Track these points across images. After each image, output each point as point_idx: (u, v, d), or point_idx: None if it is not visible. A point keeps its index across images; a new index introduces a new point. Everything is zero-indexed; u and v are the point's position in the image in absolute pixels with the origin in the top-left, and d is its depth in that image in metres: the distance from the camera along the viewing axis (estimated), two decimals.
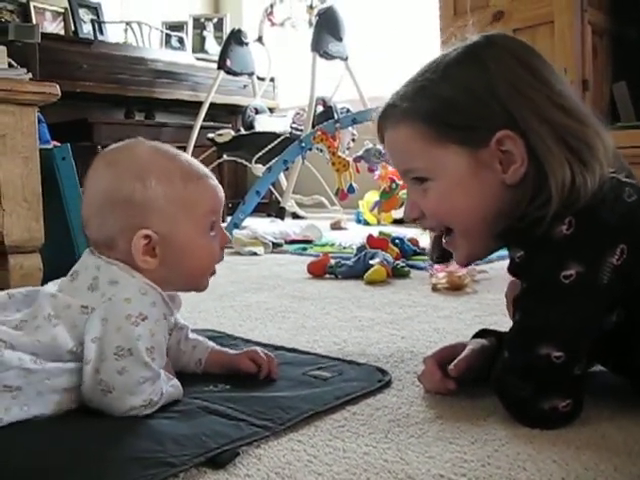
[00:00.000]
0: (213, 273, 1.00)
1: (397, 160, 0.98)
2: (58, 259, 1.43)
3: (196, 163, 0.97)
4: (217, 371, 1.05)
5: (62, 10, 4.97)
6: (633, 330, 0.86)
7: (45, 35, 4.20)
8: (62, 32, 4.93)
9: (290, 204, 4.41)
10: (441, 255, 1.03)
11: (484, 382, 0.92)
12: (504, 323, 1.01)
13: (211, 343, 1.09)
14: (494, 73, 0.87)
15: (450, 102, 0.88)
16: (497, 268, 2.01)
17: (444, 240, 0.99)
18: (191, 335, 1.08)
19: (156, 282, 0.91)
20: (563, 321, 0.82)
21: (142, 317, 0.85)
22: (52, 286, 0.93)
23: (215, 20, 5.82)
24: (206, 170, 0.98)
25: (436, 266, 1.91)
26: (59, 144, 2.05)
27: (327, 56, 4.36)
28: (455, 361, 0.96)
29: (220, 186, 0.99)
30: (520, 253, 0.85)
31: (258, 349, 1.07)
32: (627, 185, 0.85)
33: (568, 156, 0.84)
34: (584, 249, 0.81)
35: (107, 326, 0.84)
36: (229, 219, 3.32)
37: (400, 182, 3.79)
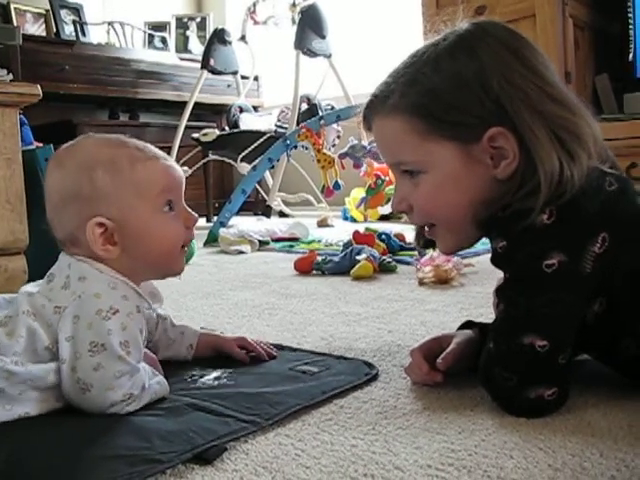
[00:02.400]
0: (184, 253, 0.99)
1: (386, 152, 0.97)
2: (42, 261, 1.41)
3: (148, 147, 0.96)
4: (208, 354, 1.09)
5: (43, 11, 4.93)
6: (614, 320, 0.87)
7: (27, 37, 4.17)
8: (44, 33, 4.90)
9: (276, 202, 4.41)
10: (426, 242, 1.03)
11: (471, 373, 0.92)
12: (490, 315, 1.01)
13: (197, 328, 1.12)
14: (486, 65, 0.87)
15: (442, 97, 0.88)
16: (483, 261, 2.01)
17: (426, 229, 0.99)
18: (177, 322, 1.10)
19: (126, 273, 0.91)
20: (546, 310, 0.82)
21: (113, 311, 0.85)
22: (31, 287, 0.92)
23: (198, 19, 5.80)
24: (158, 152, 0.97)
25: (422, 260, 1.92)
26: (42, 145, 2.04)
27: (310, 54, 4.36)
28: (443, 354, 0.97)
29: (175, 166, 0.98)
30: (502, 243, 0.85)
31: (247, 337, 1.12)
32: (609, 175, 0.86)
33: (558, 148, 0.84)
34: (565, 238, 0.82)
35: (79, 323, 0.84)
36: (215, 218, 3.32)
37: (386, 178, 3.80)
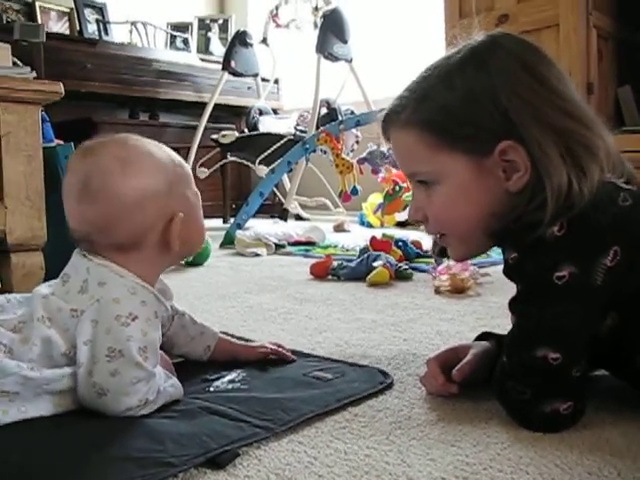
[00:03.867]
0: None
1: (402, 163, 0.98)
2: (60, 258, 1.42)
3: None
4: (224, 359, 1.09)
5: (67, 10, 4.96)
6: (627, 335, 0.86)
7: (50, 35, 4.19)
8: (67, 32, 4.92)
9: (293, 206, 4.40)
10: (441, 250, 1.03)
11: (486, 384, 0.92)
12: (507, 326, 1.00)
13: (217, 330, 1.13)
14: (497, 79, 0.86)
15: (452, 112, 0.88)
16: (500, 271, 1.98)
17: (438, 237, 1.00)
18: (198, 320, 1.11)
19: (152, 269, 0.93)
20: (558, 322, 0.81)
21: (132, 317, 0.85)
22: (45, 288, 0.92)
23: (220, 21, 5.82)
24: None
25: (439, 268, 1.91)
26: (63, 143, 2.05)
27: (332, 58, 4.35)
28: (459, 365, 0.96)
29: None
30: (514, 254, 0.85)
31: (265, 342, 1.15)
32: (623, 190, 0.85)
33: (568, 163, 0.84)
34: (576, 250, 0.81)
35: (97, 328, 0.84)
36: (232, 220, 3.32)
37: (404, 185, 3.79)
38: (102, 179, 0.88)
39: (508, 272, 0.89)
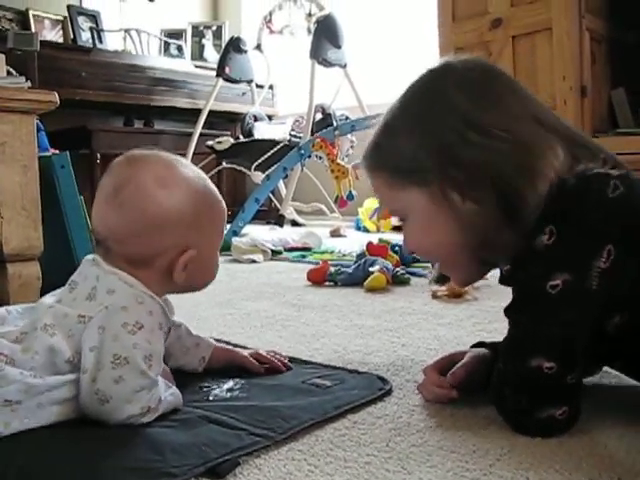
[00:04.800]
0: None
1: (381, 202, 1.03)
2: (57, 267, 1.42)
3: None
4: (220, 367, 1.09)
5: (61, 18, 4.97)
6: (637, 329, 0.85)
7: (44, 43, 4.19)
8: (61, 40, 4.94)
9: (289, 211, 4.41)
10: (439, 277, 1.07)
11: (483, 391, 0.92)
12: (504, 330, 1.00)
13: (212, 340, 1.13)
14: (440, 115, 0.90)
15: (400, 150, 0.93)
16: (497, 275, 1.98)
17: (437, 266, 1.04)
18: (193, 332, 1.11)
19: (157, 290, 0.92)
20: (552, 332, 0.81)
21: (139, 326, 0.86)
22: (50, 298, 0.92)
23: (214, 28, 5.83)
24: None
25: None
26: (58, 152, 2.05)
27: (326, 63, 4.37)
28: (453, 369, 0.96)
29: None
30: (507, 267, 0.87)
31: (261, 350, 1.14)
32: (613, 178, 0.83)
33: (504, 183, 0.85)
34: (568, 256, 0.81)
35: (104, 335, 0.84)
36: (228, 227, 3.32)
37: None
38: (134, 190, 0.90)
39: (503, 283, 0.90)
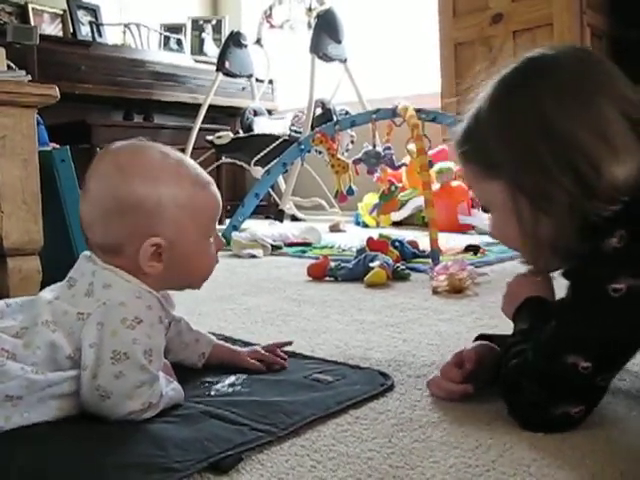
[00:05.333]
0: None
1: (469, 188, 1.03)
2: (57, 262, 1.42)
3: (200, 168, 0.98)
4: (219, 364, 1.08)
5: (60, 12, 4.96)
6: None
7: (44, 37, 4.18)
8: (60, 34, 4.92)
9: (289, 206, 4.40)
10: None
11: (487, 385, 0.92)
12: (505, 326, 1.01)
13: (213, 337, 1.12)
14: (525, 120, 0.88)
15: (487, 144, 0.91)
16: (498, 271, 2.01)
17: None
18: (193, 327, 1.10)
19: (155, 284, 0.91)
20: (604, 334, 0.80)
21: (138, 320, 0.85)
22: (49, 293, 0.92)
23: (214, 22, 5.82)
24: (209, 176, 0.98)
25: (437, 268, 1.91)
26: (58, 146, 2.04)
27: (326, 58, 4.35)
28: (465, 351, 0.97)
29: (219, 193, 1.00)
30: (573, 264, 0.86)
31: (259, 348, 1.13)
32: None
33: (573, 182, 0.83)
34: (637, 262, 0.79)
35: (103, 330, 0.84)
36: (228, 221, 3.31)
37: (399, 184, 3.78)
38: (97, 179, 0.92)
39: (565, 277, 0.88)
